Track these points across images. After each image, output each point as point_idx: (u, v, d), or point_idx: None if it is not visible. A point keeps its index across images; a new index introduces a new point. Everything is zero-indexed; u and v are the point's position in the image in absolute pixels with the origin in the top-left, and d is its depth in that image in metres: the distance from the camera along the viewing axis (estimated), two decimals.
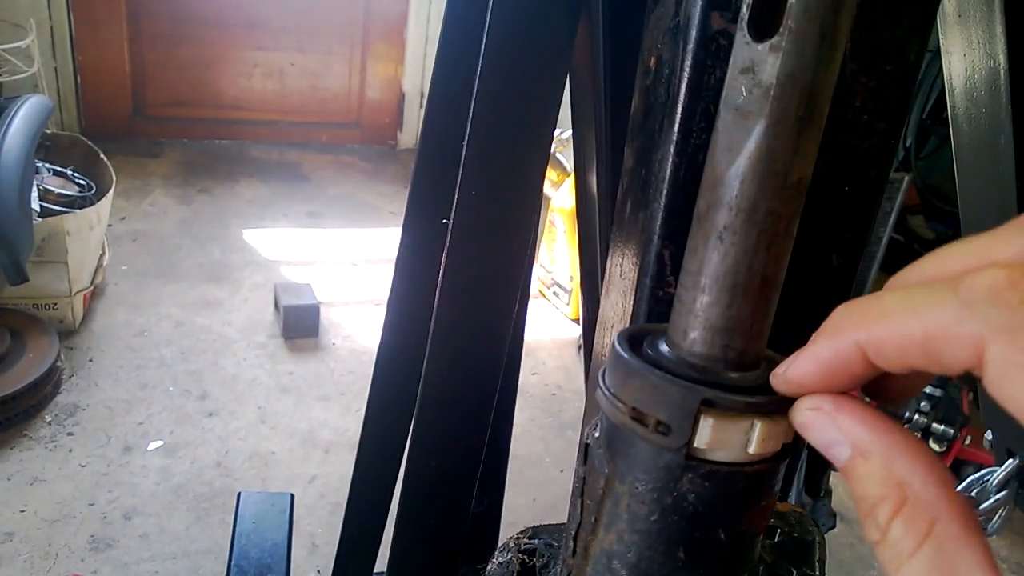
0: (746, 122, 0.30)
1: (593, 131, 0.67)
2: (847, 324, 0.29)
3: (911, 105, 4.32)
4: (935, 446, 2.55)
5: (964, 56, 0.65)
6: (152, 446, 2.22)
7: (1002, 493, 1.13)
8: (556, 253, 3.20)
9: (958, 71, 0.67)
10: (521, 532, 0.48)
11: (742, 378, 0.33)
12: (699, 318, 0.33)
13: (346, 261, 3.36)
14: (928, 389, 2.57)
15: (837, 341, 0.29)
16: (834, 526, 1.07)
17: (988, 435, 1.17)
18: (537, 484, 2.30)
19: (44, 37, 3.55)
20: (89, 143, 2.95)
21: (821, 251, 0.41)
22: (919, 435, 2.57)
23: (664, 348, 0.34)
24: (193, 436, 2.27)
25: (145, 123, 4.11)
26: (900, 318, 0.27)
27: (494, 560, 0.47)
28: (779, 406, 0.32)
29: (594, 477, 0.36)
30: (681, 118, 0.38)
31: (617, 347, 0.34)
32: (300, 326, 2.76)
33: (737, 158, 0.30)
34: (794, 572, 0.43)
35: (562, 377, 2.82)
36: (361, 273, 3.27)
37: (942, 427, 2.54)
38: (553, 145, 3.25)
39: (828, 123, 0.41)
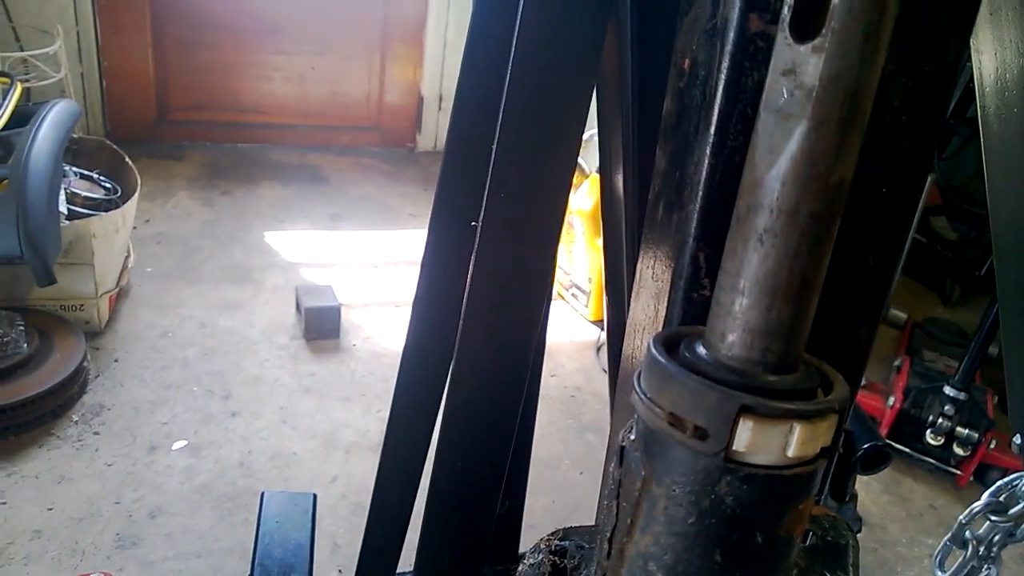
0: (787, 124, 0.30)
1: (620, 133, 0.67)
2: None
3: None
4: (959, 450, 2.52)
5: (995, 55, 0.64)
6: (176, 446, 2.24)
7: None
8: (575, 255, 3.20)
9: (989, 70, 0.66)
10: (552, 534, 0.48)
11: (781, 381, 0.33)
12: (738, 321, 0.33)
13: (366, 263, 3.37)
14: (952, 392, 2.54)
15: None
16: (860, 530, 1.06)
17: (1017, 439, 1.16)
18: (557, 487, 2.30)
19: (71, 43, 3.59)
20: (115, 147, 2.98)
21: (859, 253, 0.41)
22: (943, 439, 2.54)
23: (701, 351, 0.34)
24: (217, 436, 2.29)
25: (169, 127, 4.15)
26: None
27: (525, 561, 0.47)
28: (818, 410, 0.32)
29: (630, 480, 0.36)
30: (718, 120, 0.38)
31: (653, 351, 0.34)
32: (321, 327, 2.78)
33: (778, 160, 0.30)
34: (827, 575, 0.43)
35: (581, 379, 2.82)
36: (381, 275, 3.28)
37: (966, 431, 2.51)
38: None
39: (868, 126, 0.40)
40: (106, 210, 2.62)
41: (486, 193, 0.57)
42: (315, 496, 1.75)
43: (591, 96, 0.56)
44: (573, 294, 3.26)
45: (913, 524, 2.43)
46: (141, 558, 1.88)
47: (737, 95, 0.37)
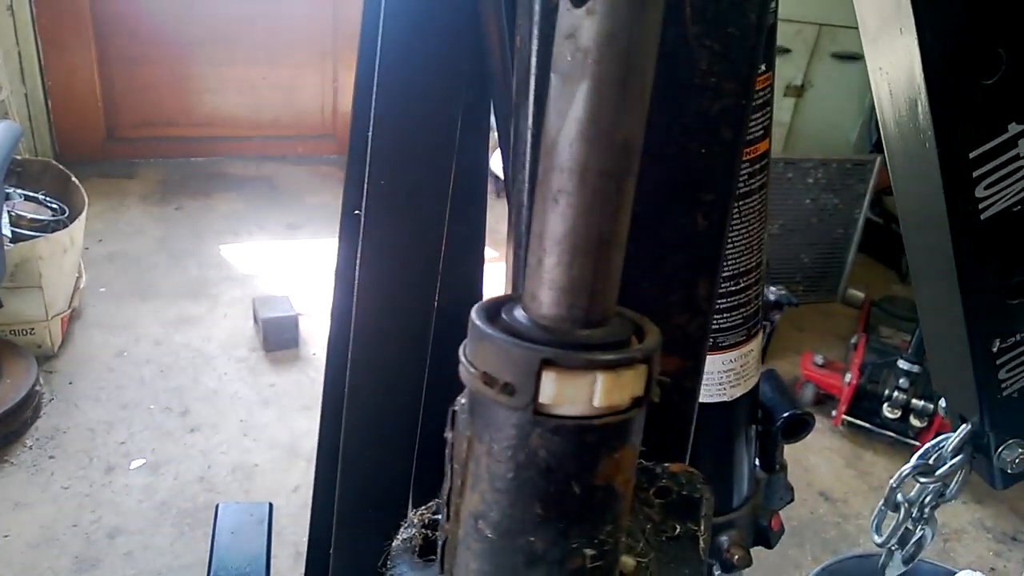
0: (571, 86, 0.31)
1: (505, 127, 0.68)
2: None
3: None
4: (916, 422, 2.57)
5: (882, 71, 0.66)
6: (135, 464, 2.22)
7: (957, 458, 1.14)
8: None
9: (883, 89, 0.69)
10: (425, 507, 0.49)
11: (588, 335, 0.34)
12: (544, 280, 0.34)
13: (325, 271, 3.37)
14: (906, 366, 2.58)
15: None
16: (792, 500, 1.07)
17: (942, 402, 1.19)
18: None
19: (12, 63, 3.55)
20: (61, 167, 2.96)
21: (686, 214, 0.42)
22: (899, 412, 2.58)
23: (517, 313, 0.35)
24: (175, 452, 2.28)
25: (119, 144, 4.11)
26: None
27: (398, 536, 0.48)
28: (622, 360, 0.33)
29: (459, 441, 0.37)
30: (535, 89, 0.39)
31: (472, 316, 0.36)
32: (279, 338, 2.77)
33: (565, 122, 0.31)
34: (678, 528, 0.44)
35: None
36: None
37: (922, 403, 2.56)
38: None
39: (677, 87, 0.42)
40: (53, 231, 2.59)
41: (366, 180, 0.58)
42: (271, 505, 1.74)
43: (464, 65, 0.57)
44: None
45: (875, 497, 2.46)
46: None
47: (547, 65, 0.39)
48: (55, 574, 1.87)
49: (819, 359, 2.77)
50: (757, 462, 1.07)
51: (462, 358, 0.36)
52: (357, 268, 0.60)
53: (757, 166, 0.76)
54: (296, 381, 2.64)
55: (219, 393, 2.54)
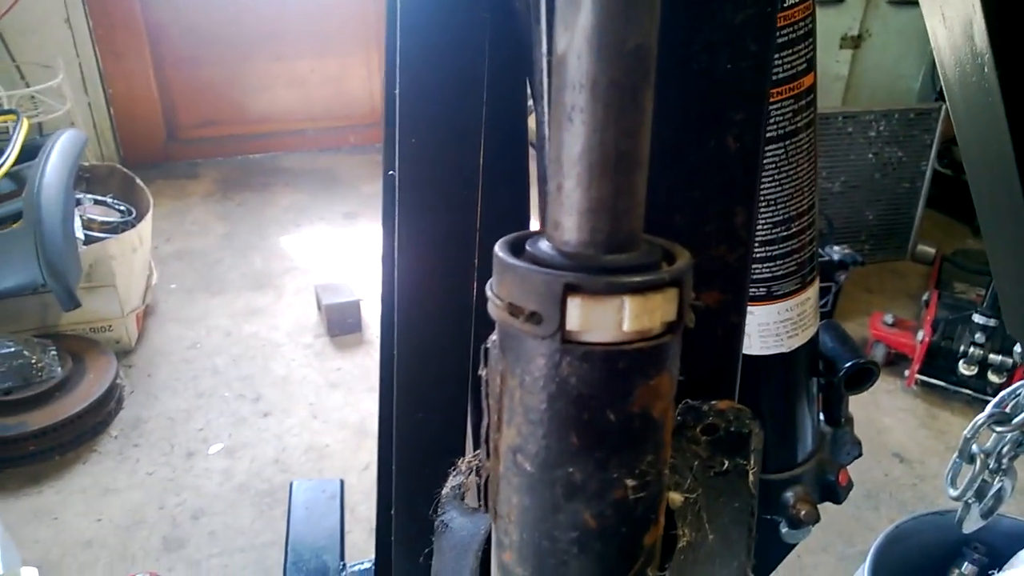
0: None
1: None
2: None
3: None
4: (994, 377, 2.47)
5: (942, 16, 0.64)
6: (213, 449, 2.29)
7: None
8: None
9: (941, 35, 0.66)
10: (473, 455, 0.49)
11: (613, 260, 0.33)
12: (564, 205, 0.33)
13: None
14: (982, 320, 2.49)
15: None
16: (860, 454, 1.05)
17: (1017, 348, 1.14)
18: None
19: (74, 74, 3.67)
20: (126, 171, 3.05)
21: (716, 136, 0.40)
22: (976, 368, 2.49)
23: (542, 244, 0.35)
24: (250, 437, 2.34)
25: (180, 146, 4.22)
26: None
27: (447, 484, 0.48)
28: (650, 283, 0.32)
29: (492, 377, 0.37)
30: (545, 9, 0.38)
31: (496, 250, 0.35)
32: (343, 323, 2.81)
33: (573, 34, 0.30)
34: (727, 463, 0.43)
35: None
36: None
37: (1000, 357, 2.46)
38: None
39: None
40: (122, 232, 2.68)
41: (397, 140, 0.58)
42: (342, 481, 1.78)
43: (486, 26, 0.56)
44: None
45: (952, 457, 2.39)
46: (188, 558, 1.94)
47: None
48: (146, 554, 1.94)
49: (889, 318, 2.69)
50: (821, 416, 1.04)
51: (488, 292, 0.35)
52: (396, 233, 0.60)
53: (803, 102, 0.74)
54: (361, 364, 2.69)
55: (288, 379, 2.60)
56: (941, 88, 3.54)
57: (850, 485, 1.06)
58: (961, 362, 2.51)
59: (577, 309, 0.32)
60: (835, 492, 1.03)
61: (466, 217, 0.60)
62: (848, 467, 1.10)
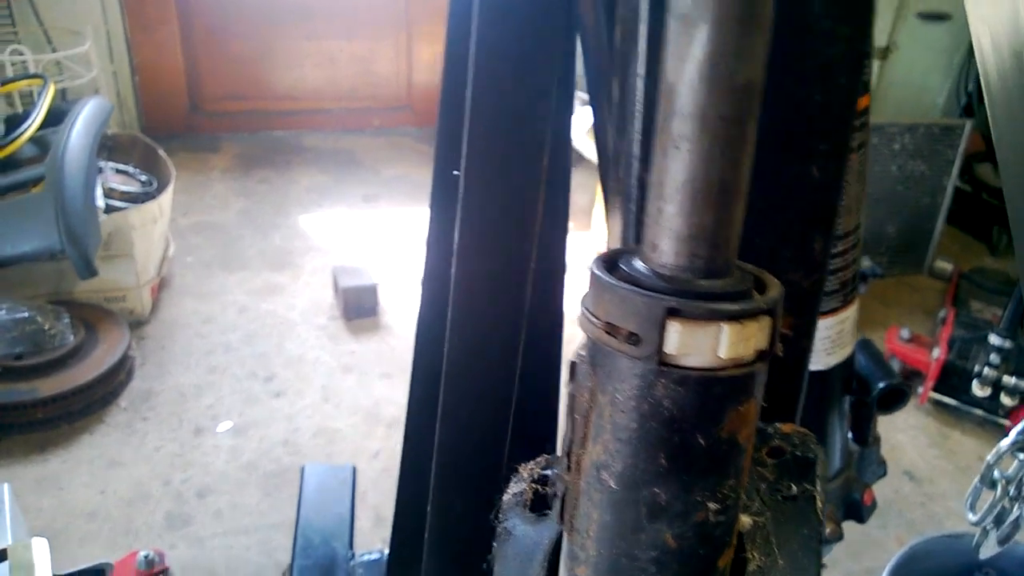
0: (690, 28, 0.30)
1: (606, 88, 0.67)
2: None
3: (972, 48, 4.15)
4: (1007, 400, 2.47)
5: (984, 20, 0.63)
6: (222, 427, 2.30)
7: None
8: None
9: (984, 39, 0.65)
10: (535, 462, 0.49)
11: (710, 285, 0.33)
12: (665, 229, 0.33)
13: (403, 240, 3.41)
14: (997, 341, 2.48)
15: None
16: (884, 473, 1.05)
17: None
18: None
19: (101, 42, 3.66)
20: (148, 141, 3.05)
21: (800, 164, 0.41)
22: (990, 389, 2.49)
23: (636, 264, 0.35)
24: (261, 416, 2.35)
25: (202, 118, 4.22)
26: None
27: (508, 490, 0.48)
28: (747, 312, 0.33)
29: (580, 393, 0.37)
30: (647, 36, 0.38)
31: (592, 268, 0.35)
32: (359, 306, 2.82)
33: (685, 65, 0.31)
34: (795, 488, 0.43)
35: None
36: (417, 252, 3.31)
37: (1014, 380, 2.46)
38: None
39: (790, 32, 0.40)
40: (143, 202, 2.68)
41: (464, 140, 0.58)
42: (354, 468, 1.79)
43: (562, 37, 0.57)
44: None
45: (962, 477, 2.39)
46: (191, 535, 1.94)
47: (660, 13, 0.38)
48: (150, 529, 1.95)
49: (905, 333, 2.69)
50: (850, 434, 1.05)
51: (583, 309, 0.36)
52: (457, 231, 0.60)
53: (856, 123, 0.74)
54: (375, 349, 2.69)
55: (302, 359, 2.61)
56: (967, 104, 3.53)
57: (874, 505, 1.06)
58: (975, 382, 2.51)
59: (676, 333, 0.32)
60: (859, 511, 1.03)
61: (527, 224, 0.60)
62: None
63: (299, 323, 2.80)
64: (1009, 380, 2.48)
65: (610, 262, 0.36)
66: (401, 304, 2.93)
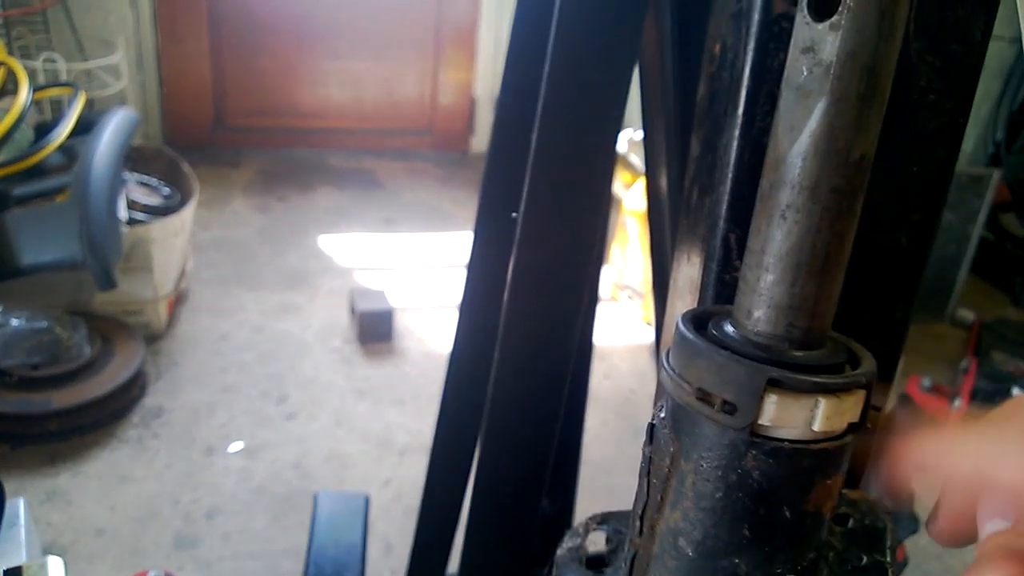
0: (807, 101, 0.30)
1: (663, 131, 0.67)
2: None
3: (1006, 92, 4.16)
4: None
5: None
6: (233, 448, 2.29)
7: None
8: (629, 257, 3.19)
9: None
10: (591, 517, 0.48)
11: (807, 356, 0.33)
12: (763, 297, 0.33)
13: (420, 266, 3.41)
14: (1020, 394, 2.46)
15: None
16: (916, 530, 1.03)
17: None
18: (611, 489, 2.29)
19: (131, 53, 3.71)
20: (172, 154, 3.07)
21: (890, 232, 0.40)
22: None
23: (728, 328, 0.35)
24: (272, 438, 2.34)
25: (226, 133, 4.25)
26: None
27: (563, 544, 0.48)
28: (846, 385, 0.32)
29: (660, 456, 0.36)
30: (745, 101, 0.38)
31: (682, 328, 0.35)
32: (375, 331, 2.81)
33: (800, 136, 0.31)
34: (865, 558, 0.43)
35: (636, 381, 2.80)
36: (435, 278, 3.32)
37: None
38: (625, 146, 3.24)
39: (894, 104, 0.40)
40: (164, 216, 2.69)
41: (525, 184, 0.58)
42: (368, 496, 1.77)
43: (629, 85, 0.57)
44: (628, 296, 3.25)
45: None
46: (199, 558, 1.93)
47: (763, 76, 0.38)
48: (158, 548, 1.94)
49: (926, 382, 2.67)
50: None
51: (668, 370, 0.35)
52: (512, 268, 0.60)
53: None
54: (389, 375, 2.68)
55: (316, 382, 2.60)
56: (994, 153, 3.52)
57: (906, 561, 1.04)
58: None
59: (773, 405, 0.31)
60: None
61: (584, 265, 0.60)
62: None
63: (314, 345, 2.80)
64: None
65: (698, 323, 0.36)
66: (417, 331, 2.92)
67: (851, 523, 0.45)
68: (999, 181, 3.21)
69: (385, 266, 3.38)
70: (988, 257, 3.63)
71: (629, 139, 3.23)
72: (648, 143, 0.76)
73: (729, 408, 0.32)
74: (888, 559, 0.43)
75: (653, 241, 0.83)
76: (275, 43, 4.13)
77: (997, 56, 4.05)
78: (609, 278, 3.31)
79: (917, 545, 2.23)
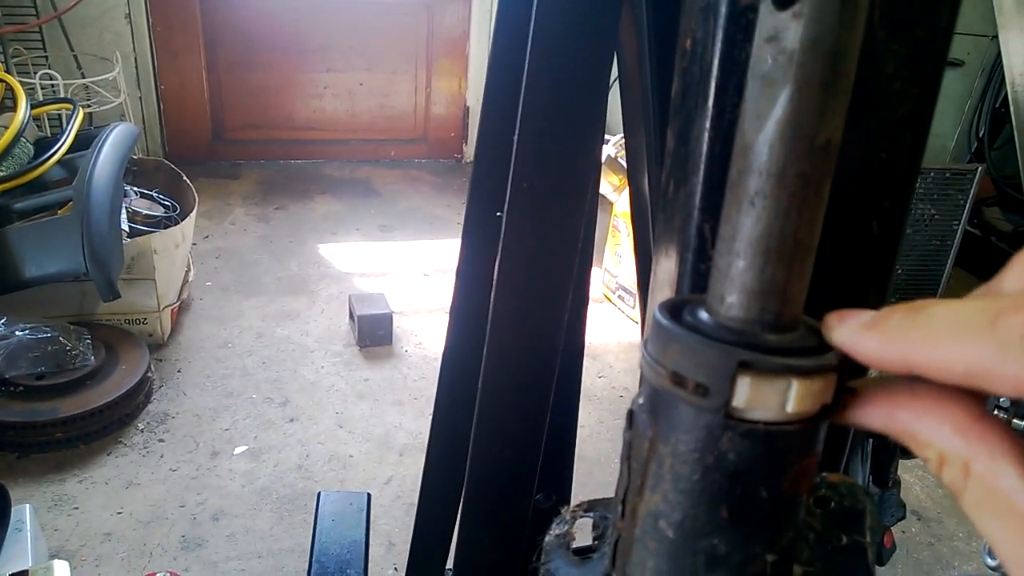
0: (772, 89, 0.31)
1: (643, 132, 0.68)
2: (898, 341, 0.30)
3: (989, 88, 4.18)
4: None
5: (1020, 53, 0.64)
6: (237, 451, 2.30)
7: None
8: (621, 257, 3.20)
9: (1018, 58, 0.66)
10: (577, 505, 0.49)
11: (779, 340, 0.34)
12: (735, 283, 0.34)
13: (417, 271, 3.43)
14: None
15: (885, 351, 0.31)
16: (903, 516, 1.04)
17: None
18: (605, 485, 2.29)
19: (129, 68, 3.73)
20: (173, 167, 3.09)
21: (861, 219, 0.41)
22: None
23: (703, 315, 0.36)
24: (275, 441, 2.35)
25: (224, 146, 4.27)
26: (943, 351, 0.27)
27: (551, 532, 0.48)
28: (817, 367, 0.33)
29: (639, 441, 0.37)
30: (715, 93, 0.39)
31: (658, 315, 0.36)
32: (374, 334, 2.83)
33: (765, 124, 0.31)
34: (844, 539, 0.43)
35: (629, 380, 2.82)
36: (431, 283, 3.33)
37: (1023, 423, 2.44)
38: (615, 149, 3.25)
39: (861, 91, 0.41)
40: (166, 227, 2.71)
41: (509, 183, 0.59)
42: (369, 495, 1.78)
43: (608, 83, 0.58)
44: (620, 296, 3.26)
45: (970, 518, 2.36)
46: (205, 559, 1.94)
47: (731, 68, 0.39)
48: (164, 551, 1.95)
49: None
50: (870, 476, 1.04)
51: (646, 355, 0.36)
52: (497, 269, 0.61)
53: None
54: (389, 377, 2.70)
55: (317, 386, 2.62)
56: (976, 148, 3.55)
57: (893, 547, 1.05)
58: None
59: (746, 387, 0.32)
60: (879, 554, 1.03)
61: (567, 263, 0.61)
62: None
63: (314, 349, 2.81)
64: (1019, 423, 2.46)
65: (674, 311, 0.37)
66: (415, 334, 2.94)
67: (832, 505, 0.45)
68: (982, 176, 3.23)
69: (383, 271, 3.40)
70: (972, 251, 3.66)
71: (618, 142, 3.24)
72: (629, 143, 0.77)
73: (702, 390, 0.33)
74: (867, 539, 0.44)
75: (637, 239, 0.84)
76: (270, 57, 4.15)
77: (979, 53, 4.07)
78: (601, 279, 3.32)
79: (908, 533, 2.24)
